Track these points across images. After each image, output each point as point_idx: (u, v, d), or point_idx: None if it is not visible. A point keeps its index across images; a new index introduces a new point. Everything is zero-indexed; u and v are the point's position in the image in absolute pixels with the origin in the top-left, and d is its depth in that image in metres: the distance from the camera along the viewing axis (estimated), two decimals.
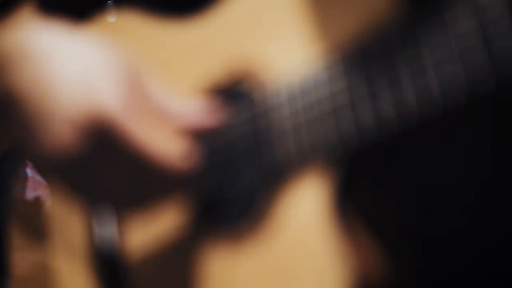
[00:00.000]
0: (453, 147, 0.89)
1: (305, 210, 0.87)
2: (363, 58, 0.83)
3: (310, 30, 0.90)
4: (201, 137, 0.96)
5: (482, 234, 0.91)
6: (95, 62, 0.90)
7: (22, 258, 1.22)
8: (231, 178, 0.98)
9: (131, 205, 0.93)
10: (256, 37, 0.96)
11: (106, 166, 0.89)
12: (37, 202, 1.22)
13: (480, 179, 0.90)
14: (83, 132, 0.87)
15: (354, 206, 0.86)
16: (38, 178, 1.23)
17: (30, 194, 1.23)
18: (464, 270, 0.92)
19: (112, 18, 1.13)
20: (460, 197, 0.91)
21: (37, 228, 1.20)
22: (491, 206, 0.91)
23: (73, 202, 0.95)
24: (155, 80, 0.95)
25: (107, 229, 1.09)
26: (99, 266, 1.10)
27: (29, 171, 1.26)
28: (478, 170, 0.90)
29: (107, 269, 1.09)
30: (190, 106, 0.96)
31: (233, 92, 0.97)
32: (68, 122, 0.87)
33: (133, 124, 0.88)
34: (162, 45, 1.07)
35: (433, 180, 0.90)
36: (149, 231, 1.04)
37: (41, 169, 0.95)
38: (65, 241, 1.17)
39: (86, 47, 0.93)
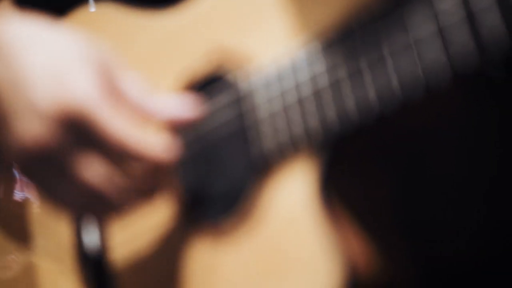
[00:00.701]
0: (439, 131, 0.86)
1: (291, 198, 0.85)
2: (345, 40, 0.80)
3: (291, 17, 0.87)
4: (181, 129, 0.94)
5: (469, 220, 0.88)
6: (70, 55, 0.88)
7: (7, 260, 1.20)
8: (214, 168, 0.95)
9: (110, 208, 0.90)
10: (236, 26, 0.93)
11: (82, 164, 0.86)
12: (23, 203, 1.19)
13: (467, 164, 0.88)
14: (58, 126, 0.84)
15: (339, 193, 0.83)
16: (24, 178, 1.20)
17: (15, 194, 1.21)
18: (452, 257, 0.89)
19: (92, 9, 1.11)
20: (445, 183, 0.88)
21: (23, 230, 1.17)
22: (475, 192, 0.88)
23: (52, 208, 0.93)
24: (131, 73, 0.92)
25: (92, 229, 1.07)
26: (85, 265, 1.08)
27: (16, 171, 1.23)
28: (464, 155, 0.87)
29: (93, 269, 1.07)
30: (168, 100, 0.93)
31: (214, 80, 0.94)
32: (42, 115, 0.85)
33: (109, 116, 0.85)
34: (143, 37, 1.04)
35: (418, 166, 0.87)
36: (133, 226, 1.01)
37: (20, 168, 0.93)
38: (51, 242, 1.14)
39: (61, 39, 0.90)
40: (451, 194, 0.89)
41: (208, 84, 0.95)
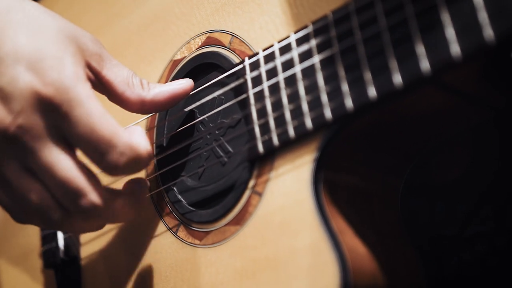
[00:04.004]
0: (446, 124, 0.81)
1: (289, 190, 0.78)
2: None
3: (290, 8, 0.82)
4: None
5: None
6: (52, 35, 0.81)
7: None
8: (205, 162, 0.88)
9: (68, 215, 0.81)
10: (236, 13, 0.87)
11: (52, 153, 0.78)
12: None
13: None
14: (34, 106, 0.77)
15: (339, 187, 0.78)
16: None
17: None
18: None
19: None
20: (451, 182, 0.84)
21: None
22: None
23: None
24: (115, 62, 0.86)
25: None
26: (52, 266, 1.01)
27: None
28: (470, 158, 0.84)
29: (60, 268, 1.00)
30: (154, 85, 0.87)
31: (210, 65, 0.89)
32: (19, 95, 0.77)
33: (88, 103, 0.78)
34: (133, 14, 0.99)
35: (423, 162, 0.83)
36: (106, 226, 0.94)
37: None
38: (18, 242, 1.08)
39: (44, 18, 0.83)
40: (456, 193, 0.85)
41: (202, 69, 0.90)
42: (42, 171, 0.78)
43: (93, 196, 0.79)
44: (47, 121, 0.78)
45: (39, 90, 0.77)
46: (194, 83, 0.88)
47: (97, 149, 0.78)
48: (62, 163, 0.78)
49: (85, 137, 0.77)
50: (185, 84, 0.87)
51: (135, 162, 0.79)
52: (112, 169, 0.79)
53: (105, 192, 0.81)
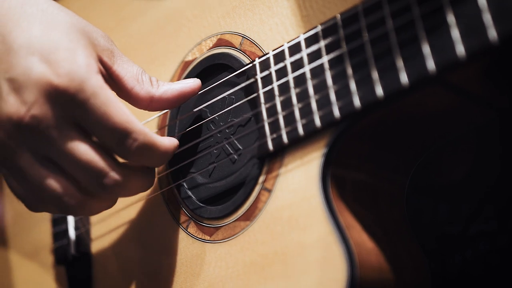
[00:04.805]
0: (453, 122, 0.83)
1: (298, 186, 0.80)
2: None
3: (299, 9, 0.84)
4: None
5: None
6: (67, 30, 0.83)
7: None
8: (216, 159, 0.90)
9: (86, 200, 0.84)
10: (247, 15, 0.89)
11: (68, 143, 0.80)
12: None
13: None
14: (48, 98, 0.79)
15: (347, 183, 0.80)
16: None
17: None
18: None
19: None
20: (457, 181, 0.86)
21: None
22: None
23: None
24: (126, 59, 0.88)
25: (70, 223, 1.03)
26: (63, 262, 1.03)
27: None
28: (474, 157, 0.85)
29: (72, 267, 1.02)
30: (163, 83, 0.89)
31: (221, 66, 0.90)
32: (33, 86, 0.79)
33: (103, 93, 0.80)
34: (144, 17, 1.01)
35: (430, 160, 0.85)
36: (115, 218, 0.97)
37: None
38: (29, 239, 1.10)
39: (58, 13, 0.85)
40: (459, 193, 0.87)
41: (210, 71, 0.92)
42: (62, 157, 0.81)
43: (114, 174, 0.82)
44: (60, 111, 0.80)
45: (52, 80, 0.79)
46: (205, 83, 0.90)
47: (113, 135, 0.80)
48: (80, 148, 0.81)
49: (101, 124, 0.80)
50: (193, 83, 0.89)
51: (148, 148, 0.82)
52: (126, 154, 0.82)
53: (123, 168, 0.84)
